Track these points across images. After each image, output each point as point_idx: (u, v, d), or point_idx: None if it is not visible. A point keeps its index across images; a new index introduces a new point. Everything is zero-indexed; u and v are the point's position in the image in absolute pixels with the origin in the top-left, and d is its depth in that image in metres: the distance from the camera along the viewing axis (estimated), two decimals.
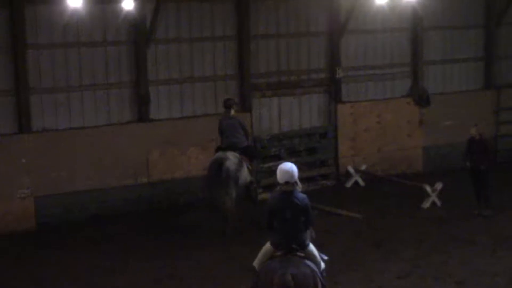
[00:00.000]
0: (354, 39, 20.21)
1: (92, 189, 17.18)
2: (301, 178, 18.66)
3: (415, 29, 20.86)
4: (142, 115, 17.85)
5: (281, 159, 19.08)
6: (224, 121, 16.21)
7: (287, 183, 9.55)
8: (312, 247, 9.73)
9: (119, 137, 17.47)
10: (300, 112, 19.77)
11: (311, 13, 19.61)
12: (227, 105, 16.29)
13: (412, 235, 15.39)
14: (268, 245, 9.74)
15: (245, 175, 15.69)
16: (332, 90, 19.95)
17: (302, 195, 9.64)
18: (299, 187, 9.79)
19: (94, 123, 17.45)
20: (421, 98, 20.92)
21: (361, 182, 19.80)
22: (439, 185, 17.73)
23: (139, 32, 17.60)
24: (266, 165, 18.97)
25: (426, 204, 17.55)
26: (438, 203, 17.56)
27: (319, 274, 9.55)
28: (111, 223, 16.72)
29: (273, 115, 19.47)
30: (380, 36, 20.56)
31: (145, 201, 17.75)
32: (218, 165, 15.33)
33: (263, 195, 18.64)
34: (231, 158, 15.55)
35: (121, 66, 17.69)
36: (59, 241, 15.76)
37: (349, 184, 19.74)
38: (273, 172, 18.87)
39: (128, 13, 16.69)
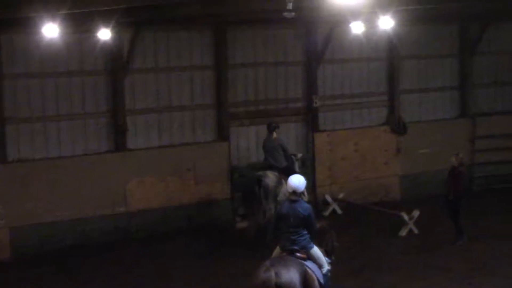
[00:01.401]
0: (331, 68, 20.36)
1: (68, 219, 17.05)
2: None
3: (391, 58, 21.05)
4: (119, 144, 17.81)
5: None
6: (266, 142, 17.31)
7: (294, 192, 10.73)
8: (315, 249, 10.75)
9: (96, 166, 17.40)
10: None
11: (288, 42, 19.74)
12: (270, 129, 17.32)
13: (389, 263, 15.40)
14: (278, 247, 10.92)
15: (284, 191, 15.94)
16: (309, 118, 20.03)
17: (306, 205, 10.79)
18: (306, 197, 10.95)
19: (71, 153, 17.37)
20: (397, 127, 21.05)
21: (339, 211, 19.83)
22: (416, 213, 17.79)
23: (116, 61, 17.62)
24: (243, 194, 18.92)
25: (404, 232, 17.59)
26: (416, 231, 17.60)
27: (317, 274, 10.49)
28: (88, 254, 16.59)
29: (251, 144, 19.49)
30: (356, 65, 20.72)
31: (122, 231, 17.65)
32: (257, 182, 16.32)
33: (241, 224, 18.68)
34: (270, 176, 16.46)
35: (98, 95, 17.67)
36: (35, 272, 15.58)
37: (326, 212, 19.75)
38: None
39: (105, 43, 16.70)
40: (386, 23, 16.22)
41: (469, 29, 21.97)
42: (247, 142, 19.40)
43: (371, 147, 20.69)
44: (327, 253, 11.47)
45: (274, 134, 17.31)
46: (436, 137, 21.31)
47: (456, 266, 14.97)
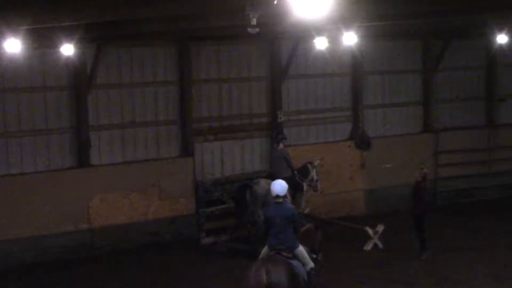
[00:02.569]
0: (295, 83, 20.43)
1: (30, 236, 16.85)
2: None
3: (355, 73, 21.19)
4: (82, 160, 17.67)
5: (224, 203, 19.09)
6: (272, 153, 18.25)
7: (278, 196, 11.60)
8: (300, 248, 11.59)
9: (59, 183, 17.24)
10: (242, 156, 19.82)
11: (252, 58, 19.78)
12: (276, 140, 18.26)
13: (354, 277, 15.42)
14: (266, 246, 11.72)
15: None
16: (274, 134, 20.04)
17: (289, 207, 11.74)
18: (288, 200, 12.04)
19: (33, 169, 17.20)
20: (362, 142, 21.15)
21: None
22: (380, 227, 17.86)
23: (80, 77, 17.51)
24: (208, 210, 18.88)
25: (368, 247, 17.64)
26: (380, 245, 17.66)
27: (302, 271, 11.38)
28: (50, 271, 16.39)
29: (216, 159, 19.46)
30: (321, 80, 20.82)
31: (85, 247, 17.47)
32: (248, 189, 17.17)
33: (206, 240, 18.61)
34: (262, 183, 17.06)
35: (61, 111, 17.54)
36: None
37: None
38: (216, 216, 18.91)
39: (68, 59, 16.58)
40: (350, 38, 16.33)
41: (432, 45, 22.21)
42: (212, 157, 19.36)
43: (335, 162, 20.76)
44: (313, 252, 12.44)
45: (281, 145, 18.07)
46: (400, 152, 21.45)
47: (420, 280, 15.04)
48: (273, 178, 16.30)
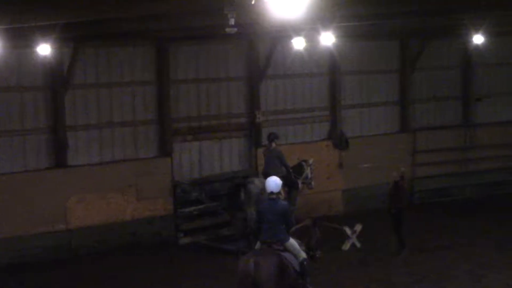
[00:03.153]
0: (274, 83, 20.45)
1: (6, 237, 16.71)
2: (222, 222, 18.87)
3: (333, 73, 21.24)
4: (59, 161, 17.56)
5: (202, 203, 19.08)
6: (265, 152, 18.28)
7: (272, 193, 11.96)
8: (291, 241, 11.92)
9: (36, 183, 17.11)
10: (220, 156, 19.79)
11: (230, 58, 19.77)
12: (269, 139, 18.23)
13: (332, 277, 15.46)
14: (258, 240, 12.08)
15: None
16: (252, 134, 20.06)
17: (282, 203, 12.12)
18: (282, 196, 12.54)
19: (9, 170, 17.06)
20: (339, 141, 21.21)
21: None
22: (358, 227, 17.92)
23: (56, 77, 17.41)
24: (186, 210, 18.84)
25: (346, 246, 17.69)
26: (358, 244, 17.72)
27: (293, 262, 11.74)
28: (27, 273, 16.28)
29: (194, 159, 19.43)
30: (298, 80, 20.85)
31: (63, 249, 17.37)
32: (242, 187, 17.54)
33: (184, 240, 18.58)
34: (256, 182, 17.30)
35: (38, 111, 17.42)
36: None
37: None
38: (194, 216, 18.89)
39: (45, 58, 16.47)
40: (327, 38, 16.36)
41: (409, 45, 22.32)
42: (190, 157, 19.33)
43: (314, 162, 20.75)
44: (310, 248, 12.83)
45: (273, 145, 18.13)
46: (377, 151, 21.53)
47: (398, 279, 15.11)
48: (267, 177, 16.54)
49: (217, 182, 19.66)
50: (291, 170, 18.17)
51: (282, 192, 12.55)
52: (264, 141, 20.16)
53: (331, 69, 21.21)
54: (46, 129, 17.51)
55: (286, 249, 11.87)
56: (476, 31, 18.97)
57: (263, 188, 16.05)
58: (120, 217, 18.06)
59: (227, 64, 19.76)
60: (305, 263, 11.97)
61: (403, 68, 22.43)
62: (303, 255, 12.04)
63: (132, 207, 18.22)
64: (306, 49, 18.75)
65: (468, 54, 22.78)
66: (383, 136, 22.10)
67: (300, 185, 18.51)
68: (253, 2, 8.16)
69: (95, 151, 18.09)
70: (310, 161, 18.84)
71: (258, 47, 19.90)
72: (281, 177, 16.19)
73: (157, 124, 18.80)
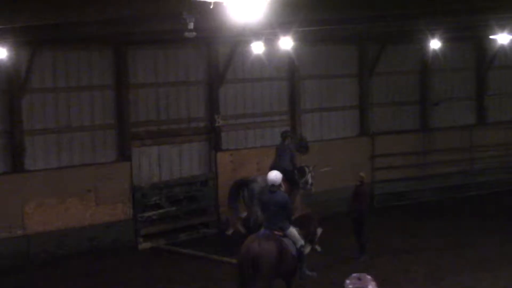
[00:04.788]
0: (233, 88, 20.45)
1: None
2: (181, 227, 18.80)
3: (292, 78, 21.32)
4: (16, 165, 17.36)
5: (162, 208, 19.01)
6: (278, 148, 18.91)
7: (273, 185, 13.05)
8: (291, 229, 13.01)
9: None
10: (180, 161, 19.74)
11: (190, 62, 19.73)
12: (282, 136, 18.96)
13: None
14: (262, 227, 13.16)
15: None
16: (212, 138, 20.05)
17: (282, 195, 13.19)
18: (283, 188, 13.54)
19: None
20: (299, 146, 21.25)
21: (242, 230, 19.82)
22: (319, 231, 17.96)
23: (13, 81, 17.22)
24: (146, 214, 18.76)
25: (307, 250, 17.71)
26: (318, 249, 17.76)
27: (291, 248, 12.86)
28: None
29: (153, 163, 19.34)
30: (258, 85, 20.89)
31: (20, 254, 17.15)
32: (236, 187, 18.11)
33: (143, 245, 18.49)
34: (258, 181, 17.78)
35: None
36: None
37: (230, 231, 19.72)
38: (154, 221, 18.81)
39: (1, 62, 16.27)
40: (287, 43, 16.42)
41: (368, 50, 22.49)
42: (149, 162, 19.24)
43: (313, 168, 20.77)
44: (309, 234, 14.30)
45: (286, 141, 18.88)
46: (337, 155, 21.63)
47: None
48: (275, 170, 17.37)
49: (176, 186, 19.62)
50: (296, 171, 18.72)
51: (282, 185, 13.64)
52: (224, 145, 20.21)
53: (291, 74, 21.28)
54: (3, 133, 17.30)
55: (286, 236, 12.93)
56: (433, 36, 19.23)
57: (265, 187, 16.89)
58: (79, 222, 17.90)
59: (187, 68, 19.73)
60: (302, 249, 13.11)
61: (362, 73, 22.60)
62: (301, 242, 13.14)
63: (91, 212, 18.08)
64: (265, 53, 18.80)
65: (426, 59, 23.03)
66: (342, 140, 22.23)
67: (300, 186, 18.98)
68: (211, 7, 8.14)
69: (53, 156, 17.92)
70: (311, 167, 19.24)
71: (217, 51, 19.90)
72: (288, 172, 17.79)
73: (116, 128, 18.69)
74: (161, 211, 19.05)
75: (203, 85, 19.99)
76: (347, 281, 6.39)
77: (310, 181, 19.20)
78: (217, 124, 20.00)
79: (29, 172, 17.49)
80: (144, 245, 18.55)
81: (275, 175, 13.18)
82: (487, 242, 18.07)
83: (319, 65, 21.79)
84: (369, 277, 6.34)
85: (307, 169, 19.12)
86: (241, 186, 18.23)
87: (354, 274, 6.40)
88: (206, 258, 17.35)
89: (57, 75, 17.88)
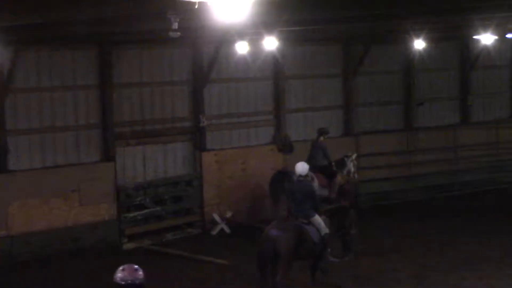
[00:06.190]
0: (218, 87, 20.44)
1: None
2: (166, 227, 18.78)
3: (277, 78, 21.33)
4: (0, 166, 17.26)
5: (146, 208, 18.98)
6: (313, 144, 19.73)
7: (300, 175, 14.32)
8: (316, 217, 13.94)
9: None
10: (164, 161, 19.70)
11: (174, 62, 19.70)
12: (319, 133, 19.76)
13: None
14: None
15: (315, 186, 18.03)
16: (197, 138, 20.02)
17: (309, 184, 14.64)
18: (309, 178, 15.08)
19: None
20: (284, 145, 21.29)
21: (227, 230, 19.84)
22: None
23: None
24: (131, 215, 18.72)
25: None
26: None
27: (313, 235, 13.77)
28: None
29: (138, 163, 19.30)
30: (243, 85, 20.88)
31: (4, 255, 17.07)
32: (286, 177, 18.49)
33: (128, 245, 18.45)
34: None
35: None
36: None
37: (215, 231, 19.74)
38: (138, 221, 18.78)
39: None
40: (271, 43, 16.43)
41: (352, 50, 22.53)
42: (134, 162, 19.19)
43: (258, 166, 20.84)
44: (344, 227, 14.95)
45: (321, 138, 19.63)
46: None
47: (345, 283, 15.20)
48: (310, 166, 18.37)
49: (161, 186, 19.59)
50: (333, 163, 19.54)
51: (314, 177, 15.86)
52: (209, 145, 20.19)
53: (275, 73, 21.30)
54: None
55: (310, 223, 13.87)
56: (417, 36, 19.30)
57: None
58: (63, 222, 17.83)
59: (171, 68, 19.69)
60: (326, 237, 13.94)
61: (347, 73, 22.65)
62: (325, 230, 13.95)
63: (75, 212, 18.02)
64: (250, 53, 18.81)
65: (410, 59, 23.11)
66: (327, 139, 22.19)
67: (339, 177, 19.62)
68: (196, 6, 8.14)
69: (37, 156, 17.84)
70: (353, 156, 20.15)
71: (202, 51, 19.88)
72: (322, 167, 19.25)
73: (100, 128, 18.62)
74: (145, 211, 19.01)
75: (188, 85, 19.97)
76: (116, 275, 6.92)
77: (352, 169, 20.07)
78: (201, 124, 19.98)
79: (13, 172, 17.40)
80: (129, 245, 18.51)
81: (302, 166, 14.39)
82: (471, 241, 18.15)
83: (303, 65, 21.82)
84: (135, 266, 6.97)
85: (346, 159, 19.94)
86: (284, 176, 18.80)
87: (121, 267, 6.96)
88: (191, 258, 17.33)
89: (41, 74, 17.81)
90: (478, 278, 15.30)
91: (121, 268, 6.95)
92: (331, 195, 19.11)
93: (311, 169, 18.56)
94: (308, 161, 18.57)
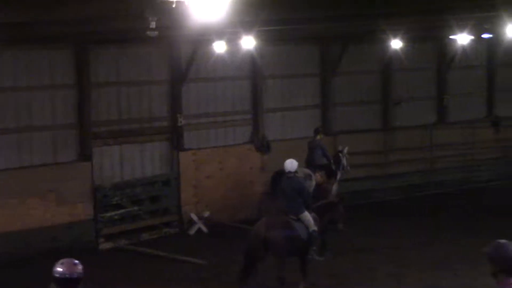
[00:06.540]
0: (196, 87, 20.41)
1: None
2: (143, 227, 18.73)
3: (255, 77, 21.33)
4: None
5: (123, 208, 18.91)
6: (310, 143, 19.84)
7: (289, 172, 14.46)
8: (305, 214, 14.10)
9: None
10: (142, 160, 19.64)
11: (152, 61, 19.64)
12: (315, 132, 19.95)
13: (257, 281, 15.45)
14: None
15: (313, 185, 18.50)
16: (174, 137, 19.98)
17: (299, 181, 14.68)
18: (298, 174, 14.86)
19: None
20: (261, 145, 21.31)
21: (204, 229, 19.82)
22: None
23: None
24: (108, 215, 18.64)
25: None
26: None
27: (301, 231, 13.98)
28: None
29: (115, 163, 19.22)
30: (221, 84, 20.87)
31: None
32: (278, 177, 18.15)
33: (104, 245, 18.38)
34: (298, 172, 18.09)
35: None
36: None
37: (192, 231, 19.72)
38: (115, 221, 18.71)
39: None
40: (249, 42, 16.43)
41: (330, 49, 22.59)
42: (111, 161, 19.11)
43: (236, 165, 20.84)
44: (333, 222, 15.47)
45: (318, 137, 19.79)
46: (299, 154, 21.60)
47: (321, 281, 15.23)
48: (309, 165, 19.20)
49: (138, 186, 19.52)
50: (332, 161, 19.70)
51: (312, 175, 16.56)
52: (187, 144, 20.15)
53: (253, 73, 21.30)
54: None
55: (299, 220, 14.05)
56: (395, 36, 19.40)
57: (305, 178, 18.36)
58: (40, 222, 17.72)
59: (149, 67, 19.63)
60: (314, 234, 14.13)
61: (324, 72, 22.70)
62: (313, 227, 14.13)
63: (51, 212, 17.92)
64: (228, 52, 18.80)
65: (387, 59, 23.20)
66: (304, 139, 22.18)
67: (339, 175, 19.91)
68: (174, 6, 8.13)
69: (14, 156, 17.71)
70: (345, 150, 20.16)
71: (180, 50, 19.83)
72: (322, 166, 19.43)
73: (77, 128, 18.52)
74: (122, 211, 18.94)
75: (166, 84, 19.92)
76: (54, 268, 7.19)
77: (345, 163, 20.16)
78: (179, 124, 19.94)
79: None
80: (106, 245, 18.44)
81: (290, 163, 14.52)
82: (447, 240, 18.27)
83: (281, 64, 21.84)
84: (75, 261, 7.22)
85: (341, 155, 20.05)
86: (281, 177, 18.65)
87: (60, 261, 7.18)
88: (168, 258, 17.29)
89: (18, 74, 17.68)
90: (455, 277, 15.40)
91: (60, 262, 7.00)
92: (329, 194, 19.10)
93: (311, 168, 19.20)
94: (307, 160, 19.35)
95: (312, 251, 14.50)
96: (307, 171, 19.08)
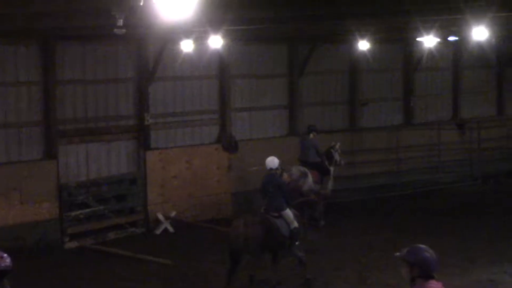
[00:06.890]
0: (163, 85, 20.32)
1: None
2: (109, 226, 18.65)
3: (223, 77, 21.30)
4: None
5: (89, 207, 18.77)
6: (303, 141, 20.59)
7: (271, 169, 14.66)
8: (287, 211, 14.31)
9: None
10: (108, 159, 19.50)
11: (119, 59, 19.51)
12: (308, 130, 20.58)
13: (222, 281, 15.43)
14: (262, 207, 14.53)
15: (309, 183, 19.07)
16: (141, 136, 19.87)
17: (278, 178, 14.67)
18: (279, 171, 14.93)
19: None
20: (229, 144, 21.28)
21: (171, 229, 19.74)
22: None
23: None
24: (73, 214, 18.48)
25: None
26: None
27: (283, 228, 14.16)
28: None
29: (81, 162, 19.05)
30: (188, 83, 20.80)
31: None
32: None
33: (69, 244, 18.23)
34: (293, 170, 18.85)
35: None
36: None
37: (158, 231, 19.63)
38: (81, 220, 18.56)
39: None
40: (217, 41, 16.40)
41: (298, 50, 22.63)
42: (77, 160, 18.95)
43: (203, 165, 20.79)
44: (314, 219, 15.81)
45: (311, 135, 20.39)
46: (266, 154, 21.47)
47: (287, 282, 15.23)
48: (303, 163, 19.70)
49: (104, 185, 19.39)
50: (325, 159, 20.26)
51: (308, 173, 17.23)
52: (153, 143, 20.05)
53: (221, 72, 21.27)
54: None
55: (281, 217, 14.22)
56: (362, 37, 19.49)
57: (301, 176, 19.04)
58: (3, 221, 17.50)
59: (116, 65, 19.50)
60: (295, 230, 14.29)
61: (292, 72, 22.74)
62: (295, 224, 14.31)
63: (15, 211, 17.71)
64: (195, 51, 18.74)
65: (354, 60, 23.31)
66: (272, 139, 22.32)
67: (332, 171, 20.50)
68: (141, 4, 8.07)
69: None
70: (337, 146, 20.74)
71: (147, 48, 19.73)
72: (315, 164, 19.93)
73: (42, 125, 18.33)
74: (88, 210, 18.79)
75: (133, 82, 19.80)
76: None
77: (338, 158, 20.74)
78: (146, 123, 19.84)
79: None
80: (71, 244, 18.28)
81: (271, 160, 14.73)
82: (411, 240, 18.30)
83: (249, 64, 21.85)
84: (4, 254, 7.52)
85: (333, 151, 20.64)
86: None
87: None
88: (134, 257, 17.19)
89: None
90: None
91: None
92: (323, 190, 19.50)
93: (304, 166, 19.62)
94: (300, 158, 19.92)
95: (295, 247, 14.62)
96: (303, 169, 19.36)
